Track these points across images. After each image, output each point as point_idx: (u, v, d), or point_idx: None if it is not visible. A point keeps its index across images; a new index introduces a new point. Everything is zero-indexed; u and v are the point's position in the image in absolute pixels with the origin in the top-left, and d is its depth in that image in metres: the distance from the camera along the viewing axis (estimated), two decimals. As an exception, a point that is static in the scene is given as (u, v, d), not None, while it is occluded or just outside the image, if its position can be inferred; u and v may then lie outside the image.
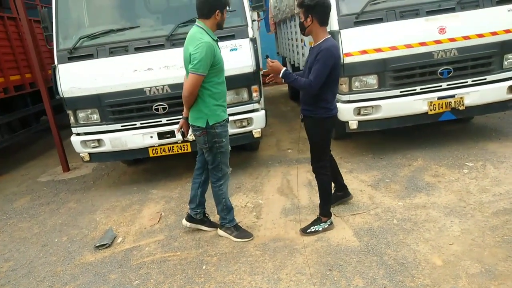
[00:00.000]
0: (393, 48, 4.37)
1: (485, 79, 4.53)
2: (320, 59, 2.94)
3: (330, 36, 3.10)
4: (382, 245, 3.01)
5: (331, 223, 3.39)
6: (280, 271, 2.85)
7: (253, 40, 4.48)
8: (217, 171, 3.29)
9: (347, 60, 4.44)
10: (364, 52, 4.41)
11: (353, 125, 4.66)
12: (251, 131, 4.70)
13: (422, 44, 4.35)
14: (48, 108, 5.94)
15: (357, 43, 4.40)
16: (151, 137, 4.55)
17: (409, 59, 4.39)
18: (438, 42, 4.34)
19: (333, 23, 4.47)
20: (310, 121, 3.25)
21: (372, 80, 4.53)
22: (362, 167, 4.71)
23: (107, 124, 4.60)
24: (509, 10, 4.37)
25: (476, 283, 2.46)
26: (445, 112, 4.56)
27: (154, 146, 4.61)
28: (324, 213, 3.38)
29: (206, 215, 3.66)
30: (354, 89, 4.58)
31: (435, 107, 4.50)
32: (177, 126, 4.41)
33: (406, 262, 2.77)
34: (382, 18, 4.36)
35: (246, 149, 5.76)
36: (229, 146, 3.32)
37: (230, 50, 4.40)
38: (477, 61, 4.46)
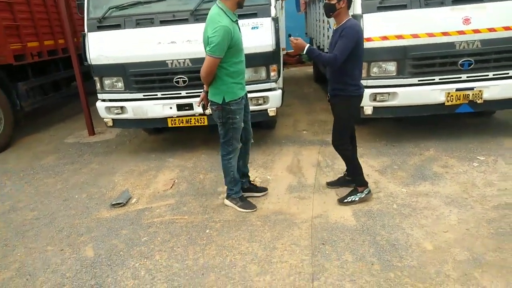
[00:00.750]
0: (415, 36, 4.34)
1: (508, 73, 4.44)
2: (345, 35, 3.12)
3: (351, 17, 3.25)
4: (377, 227, 3.13)
5: (369, 192, 3.57)
6: (277, 241, 3.03)
7: (275, 20, 4.55)
8: (228, 145, 3.46)
9: (367, 45, 4.40)
10: (385, 38, 4.41)
11: (368, 110, 4.70)
12: (266, 110, 4.82)
13: (445, 33, 4.30)
14: (78, 74, 6.25)
15: (379, 29, 4.40)
16: (171, 108, 4.76)
17: (430, 48, 4.36)
18: (461, 32, 4.28)
19: (357, 6, 4.46)
20: (338, 99, 3.41)
21: (391, 66, 4.53)
22: (373, 152, 4.77)
23: (130, 93, 4.83)
24: (538, 2, 4.23)
25: (461, 269, 2.56)
26: (463, 104, 4.53)
27: (173, 117, 4.82)
28: (359, 183, 3.58)
29: (252, 182, 3.91)
30: (372, 75, 4.60)
31: (452, 98, 4.48)
32: (195, 99, 4.65)
33: (398, 244, 2.88)
34: (406, 5, 4.32)
35: (262, 127, 5.89)
36: (242, 123, 3.47)
37: (252, 28, 4.49)
38: (501, 54, 4.38)
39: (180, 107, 4.76)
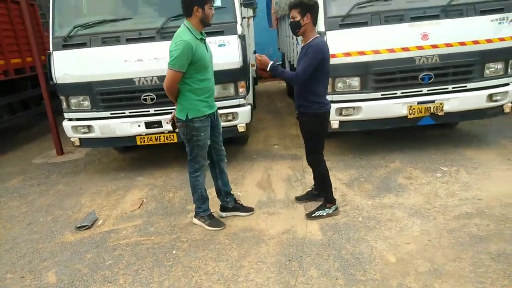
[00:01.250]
0: (376, 52, 4.49)
1: (466, 86, 4.64)
2: (310, 53, 3.15)
3: (319, 35, 3.31)
4: (343, 240, 3.17)
5: (336, 208, 3.62)
6: (244, 259, 3.02)
7: (242, 37, 4.62)
8: (194, 162, 3.46)
9: (332, 61, 4.49)
10: (348, 54, 4.54)
11: (335, 124, 4.80)
12: (236, 125, 4.85)
13: (405, 49, 4.46)
14: (45, 92, 6.13)
15: (342, 45, 4.52)
16: (139, 126, 4.72)
17: (391, 64, 4.51)
18: (420, 48, 4.46)
19: (320, 24, 4.59)
20: (304, 117, 3.43)
21: (355, 82, 4.66)
22: (341, 166, 4.85)
23: (97, 111, 4.77)
24: (491, 20, 4.47)
25: (422, 280, 2.62)
26: (425, 117, 4.69)
27: (141, 135, 4.78)
28: (328, 200, 3.63)
29: (238, 201, 3.84)
30: (337, 90, 4.72)
31: (414, 111, 4.63)
32: (164, 116, 4.67)
33: (362, 257, 2.93)
34: (367, 22, 4.47)
35: (234, 143, 5.91)
36: (208, 141, 3.45)
37: (218, 46, 4.54)
38: (458, 68, 4.57)
39: (148, 124, 4.73)
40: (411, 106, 4.61)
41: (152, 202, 4.24)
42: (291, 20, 3.29)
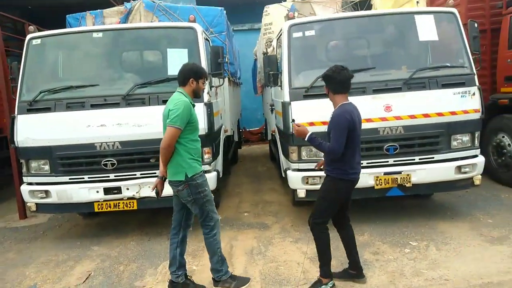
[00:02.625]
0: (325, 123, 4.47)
1: (433, 157, 4.58)
2: (335, 124, 3.17)
3: (346, 102, 3.28)
4: (293, 328, 2.88)
5: (333, 285, 3.35)
6: None
7: (208, 105, 4.64)
8: (208, 221, 3.38)
9: (296, 130, 4.55)
10: (311, 124, 4.50)
11: (301, 193, 4.67)
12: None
13: (368, 120, 4.45)
14: (12, 154, 6.02)
15: (306, 115, 4.51)
16: (97, 191, 4.55)
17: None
18: (384, 119, 4.46)
19: (285, 94, 4.65)
20: (326, 178, 3.36)
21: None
22: (309, 237, 4.59)
23: (56, 176, 4.62)
24: (454, 94, 4.53)
25: None
26: (393, 188, 4.57)
27: (99, 201, 4.59)
28: (323, 274, 3.35)
29: (189, 277, 3.61)
30: (302, 158, 4.65)
31: (381, 182, 4.52)
32: (124, 182, 4.53)
33: None
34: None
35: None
36: (212, 194, 3.43)
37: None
38: (424, 139, 4.55)
39: (107, 190, 4.56)
40: (377, 177, 4.51)
41: (99, 275, 3.94)
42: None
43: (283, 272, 3.82)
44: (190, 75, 3.35)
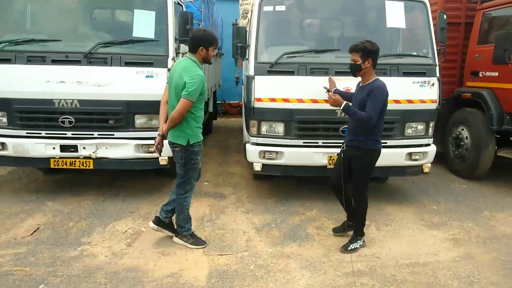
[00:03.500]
0: (300, 100, 4.56)
1: (386, 143, 4.66)
2: (376, 95, 3.42)
3: (378, 77, 3.55)
4: (223, 289, 3.04)
5: (364, 241, 3.82)
6: (110, 301, 2.84)
7: (172, 71, 4.62)
8: (186, 184, 3.66)
9: (257, 104, 4.61)
10: (273, 100, 4.58)
11: (257, 167, 4.76)
12: (157, 158, 4.74)
13: (327, 101, 4.52)
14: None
15: (268, 91, 4.57)
16: (54, 148, 4.55)
17: (313, 113, 4.57)
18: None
19: (250, 68, 4.67)
20: (359, 151, 3.61)
21: (279, 127, 4.68)
22: (260, 209, 4.78)
23: (13, 129, 4.59)
24: (413, 83, 4.64)
25: None
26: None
27: (55, 158, 4.60)
28: (359, 233, 3.81)
29: (172, 221, 3.91)
30: (262, 133, 4.72)
31: (333, 162, 4.65)
32: (81, 141, 4.55)
33: (233, 309, 2.79)
34: (293, 72, 4.56)
35: (166, 174, 5.77)
36: (200, 164, 3.73)
37: (146, 77, 4.53)
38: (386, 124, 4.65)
39: (64, 148, 4.56)
40: (331, 157, 4.63)
41: (48, 229, 4.01)
42: (352, 62, 3.55)
43: (228, 239, 3.96)
44: (200, 43, 3.45)
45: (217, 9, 8.74)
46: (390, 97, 4.49)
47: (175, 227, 3.85)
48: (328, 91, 3.83)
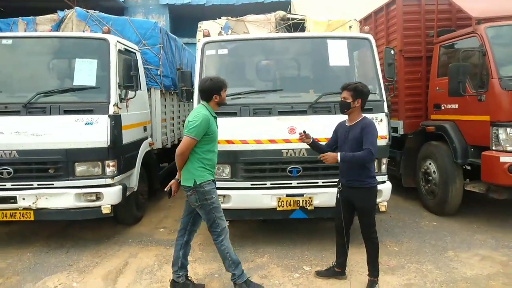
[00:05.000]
0: (244, 142, 4.45)
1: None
2: (371, 130, 3.47)
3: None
4: None
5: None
6: None
7: (113, 117, 4.56)
8: (215, 227, 3.53)
9: (201, 147, 4.49)
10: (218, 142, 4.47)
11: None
12: (99, 206, 4.58)
13: (272, 141, 4.43)
14: None
15: (214, 133, 4.48)
16: (-10, 201, 4.43)
17: (259, 154, 4.44)
18: (287, 141, 4.43)
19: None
20: (360, 191, 3.57)
21: (225, 169, 4.54)
22: (209, 257, 4.53)
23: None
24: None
25: None
26: (296, 210, 4.51)
27: (-7, 210, 4.46)
28: (376, 274, 3.71)
29: (189, 278, 3.80)
30: (210, 176, 4.57)
31: (283, 204, 4.46)
32: (21, 192, 4.44)
33: None
34: (236, 113, 4.49)
35: (122, 222, 5.59)
36: (219, 203, 3.63)
37: (85, 124, 4.48)
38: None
39: (3, 199, 4.43)
40: (279, 198, 4.45)
41: (-29, 288, 3.80)
42: (342, 99, 3.60)
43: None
44: (212, 92, 3.51)
45: (189, 53, 8.88)
46: (327, 135, 4.44)
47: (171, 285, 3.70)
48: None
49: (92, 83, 4.59)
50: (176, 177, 3.64)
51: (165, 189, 3.67)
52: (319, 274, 3.99)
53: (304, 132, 3.79)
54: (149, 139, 5.95)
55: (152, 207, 6.55)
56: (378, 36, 7.46)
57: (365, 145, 3.43)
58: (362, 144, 3.45)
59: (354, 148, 3.50)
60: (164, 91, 6.57)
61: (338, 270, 3.92)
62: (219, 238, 3.54)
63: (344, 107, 3.62)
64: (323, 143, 3.92)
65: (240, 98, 4.56)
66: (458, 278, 3.94)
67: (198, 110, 3.50)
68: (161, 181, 6.92)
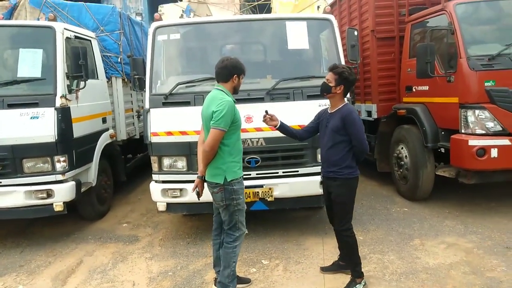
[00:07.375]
0: (198, 132, 4.20)
1: (298, 171, 4.37)
2: (353, 120, 3.20)
3: (347, 102, 3.36)
4: None
5: (365, 283, 3.43)
6: None
7: (61, 110, 4.33)
8: (234, 230, 3.25)
9: (154, 139, 4.30)
10: (169, 133, 4.27)
11: (161, 207, 4.41)
12: (51, 204, 4.39)
13: (227, 131, 4.21)
14: None
15: (164, 124, 4.27)
16: None
17: (214, 145, 4.23)
18: (244, 130, 4.20)
19: (146, 101, 4.38)
20: (336, 182, 3.32)
21: (181, 162, 4.34)
22: (168, 253, 4.37)
23: None
24: (319, 105, 4.31)
25: None
26: (256, 202, 4.34)
27: None
28: (356, 274, 3.42)
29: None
30: (163, 169, 4.38)
31: (242, 196, 4.28)
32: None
33: None
34: (190, 102, 4.26)
35: (86, 218, 5.41)
36: (245, 205, 3.32)
37: (31, 118, 4.25)
38: (287, 152, 4.33)
39: None
40: (237, 191, 4.26)
41: None
42: (325, 80, 3.31)
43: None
44: (234, 71, 3.19)
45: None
46: (298, 123, 4.27)
47: (215, 284, 3.45)
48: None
49: (38, 74, 4.35)
50: (199, 174, 3.28)
51: (192, 191, 3.37)
52: (325, 269, 3.76)
53: (267, 112, 3.50)
54: (111, 130, 5.71)
55: (119, 200, 6.37)
56: (351, 16, 7.20)
57: (353, 140, 3.23)
58: (340, 135, 3.23)
59: (332, 138, 3.27)
60: (126, 80, 6.29)
61: (342, 264, 3.70)
62: (233, 243, 3.25)
63: (324, 90, 3.34)
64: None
65: (194, 86, 4.32)
66: (419, 268, 3.81)
67: (220, 96, 3.12)
68: (129, 173, 6.74)
